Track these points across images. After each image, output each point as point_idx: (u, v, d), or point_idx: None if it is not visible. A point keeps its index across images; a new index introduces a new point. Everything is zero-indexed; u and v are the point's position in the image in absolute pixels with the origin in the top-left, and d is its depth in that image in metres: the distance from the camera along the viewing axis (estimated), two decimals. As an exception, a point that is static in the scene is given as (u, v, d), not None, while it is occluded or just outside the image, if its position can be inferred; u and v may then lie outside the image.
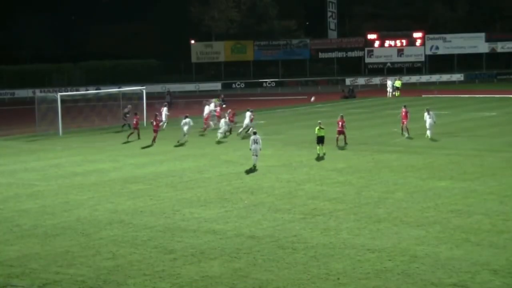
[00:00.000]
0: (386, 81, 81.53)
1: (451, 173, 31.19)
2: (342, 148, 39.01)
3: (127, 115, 50.55)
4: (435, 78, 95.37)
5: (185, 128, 43.47)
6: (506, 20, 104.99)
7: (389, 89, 76.81)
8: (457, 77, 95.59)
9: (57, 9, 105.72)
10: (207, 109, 49.94)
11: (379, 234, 21.60)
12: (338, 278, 17.85)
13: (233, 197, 27.39)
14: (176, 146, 41.97)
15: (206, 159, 36.86)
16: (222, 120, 45.51)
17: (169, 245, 21.07)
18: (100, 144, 44.53)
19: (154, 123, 43.91)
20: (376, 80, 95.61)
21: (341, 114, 41.34)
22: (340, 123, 40.08)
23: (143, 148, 41.71)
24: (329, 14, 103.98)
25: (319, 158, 35.82)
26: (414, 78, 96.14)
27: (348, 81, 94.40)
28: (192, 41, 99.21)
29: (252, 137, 34.35)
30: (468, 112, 56.85)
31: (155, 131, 43.37)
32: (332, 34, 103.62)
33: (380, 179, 30.30)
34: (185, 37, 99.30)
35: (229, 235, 21.93)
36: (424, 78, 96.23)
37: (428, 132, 42.32)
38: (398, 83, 77.78)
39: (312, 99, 53.59)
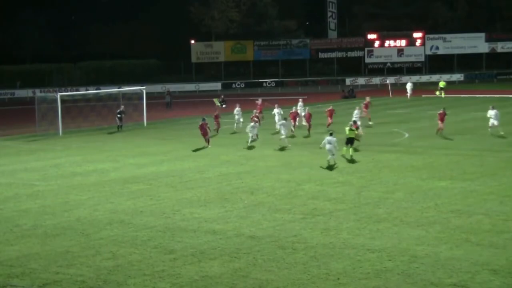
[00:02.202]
0: (407, 82, 78.33)
1: (451, 173, 31.19)
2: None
3: (120, 115, 50.47)
4: (435, 78, 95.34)
5: (252, 131, 41.42)
6: (506, 20, 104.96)
7: (409, 91, 73.91)
8: (457, 77, 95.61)
9: (57, 9, 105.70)
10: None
11: (379, 234, 21.60)
12: (338, 278, 17.85)
13: (233, 197, 27.38)
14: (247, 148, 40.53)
15: (206, 159, 36.85)
16: (250, 125, 41.49)
17: (169, 245, 21.07)
18: (100, 144, 44.54)
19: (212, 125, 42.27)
20: (376, 80, 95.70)
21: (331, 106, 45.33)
22: (329, 112, 44.22)
23: (195, 150, 40.07)
24: (329, 14, 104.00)
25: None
26: (414, 78, 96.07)
27: (348, 81, 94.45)
28: (192, 41, 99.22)
29: (328, 138, 33.98)
30: (468, 112, 56.82)
31: (207, 133, 41.25)
32: (332, 34, 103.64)
33: (380, 179, 30.30)
34: (185, 37, 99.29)
35: (229, 235, 21.92)
36: (424, 78, 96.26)
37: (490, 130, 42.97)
38: (442, 84, 75.54)
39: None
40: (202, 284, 17.75)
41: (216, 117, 46.92)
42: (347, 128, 36.30)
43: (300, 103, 51.43)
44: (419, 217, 23.60)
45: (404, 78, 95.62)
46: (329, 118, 46.98)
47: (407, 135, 43.79)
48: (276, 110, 47.60)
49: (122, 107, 51.55)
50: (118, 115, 50.63)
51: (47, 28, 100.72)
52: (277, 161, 35.65)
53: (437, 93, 74.29)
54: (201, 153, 38.98)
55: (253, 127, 41.04)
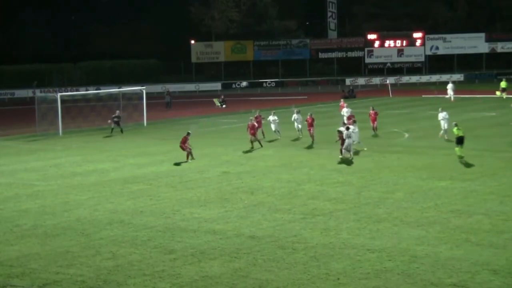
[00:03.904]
0: (448, 83, 71.10)
1: (451, 173, 31.19)
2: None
3: (117, 119, 49.49)
4: (435, 78, 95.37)
5: (273, 126, 43.42)
6: (506, 20, 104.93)
7: (450, 91, 68.13)
8: (457, 77, 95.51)
9: (57, 9, 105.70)
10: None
11: (379, 234, 21.60)
12: (338, 278, 17.85)
13: (233, 197, 27.39)
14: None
15: (206, 159, 36.85)
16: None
17: (169, 245, 21.08)
18: (100, 144, 44.54)
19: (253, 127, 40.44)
20: (376, 80, 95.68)
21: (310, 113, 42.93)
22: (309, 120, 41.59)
23: (246, 152, 39.39)
24: (329, 14, 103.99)
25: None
26: (414, 78, 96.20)
27: (348, 81, 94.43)
28: (192, 41, 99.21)
29: (345, 132, 34.48)
30: (468, 112, 56.80)
31: (252, 134, 40.13)
32: (332, 34, 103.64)
33: (380, 179, 30.30)
34: (185, 37, 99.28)
35: (229, 235, 21.93)
36: (424, 78, 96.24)
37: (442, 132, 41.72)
38: (504, 84, 71.31)
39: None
40: (202, 284, 17.75)
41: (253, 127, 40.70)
42: (455, 129, 35.23)
43: (295, 115, 44.58)
44: (419, 217, 23.60)
45: (404, 78, 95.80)
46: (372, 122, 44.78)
47: (407, 135, 43.79)
48: (271, 118, 44.10)
49: (117, 112, 50.55)
50: (115, 119, 49.56)
51: (47, 28, 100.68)
52: (277, 161, 35.65)
53: (498, 93, 70.39)
54: (201, 153, 38.94)
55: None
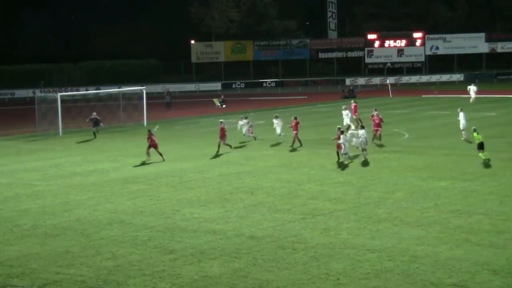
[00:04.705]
0: (470, 86, 66.39)
1: (451, 173, 31.18)
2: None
3: (96, 120, 47.03)
4: (435, 78, 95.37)
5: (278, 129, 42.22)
6: (506, 20, 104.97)
7: (472, 93, 64.28)
8: (457, 77, 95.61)
9: (57, 9, 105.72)
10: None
11: (379, 234, 21.60)
12: (338, 278, 17.85)
13: (233, 197, 27.39)
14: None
15: (206, 159, 36.85)
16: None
17: (169, 245, 21.07)
18: (100, 144, 44.52)
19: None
20: (376, 80, 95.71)
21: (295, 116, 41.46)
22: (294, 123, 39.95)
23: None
24: (329, 14, 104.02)
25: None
26: (414, 78, 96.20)
27: (348, 81, 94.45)
28: (192, 41, 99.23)
29: (360, 131, 34.35)
30: (468, 112, 56.69)
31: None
32: (332, 34, 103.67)
33: (380, 179, 30.30)
34: (185, 37, 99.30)
35: (229, 235, 21.92)
36: (424, 78, 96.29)
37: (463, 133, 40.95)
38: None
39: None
40: (202, 284, 17.75)
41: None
42: (475, 134, 34.50)
43: (275, 120, 43.24)
44: (419, 217, 23.60)
45: (404, 78, 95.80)
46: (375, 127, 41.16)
47: (407, 135, 43.76)
48: (275, 121, 43.10)
49: (94, 113, 47.61)
50: (94, 120, 47.00)
51: (47, 28, 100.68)
52: (277, 161, 35.64)
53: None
54: (201, 153, 38.98)
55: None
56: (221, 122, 39.90)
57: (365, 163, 34.17)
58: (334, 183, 29.73)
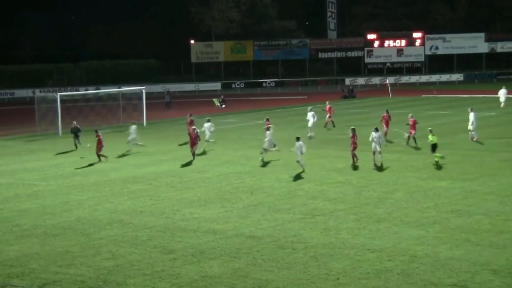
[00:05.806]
0: (500, 89, 59.46)
1: (451, 173, 31.19)
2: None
3: (76, 132, 42.13)
4: (434, 78, 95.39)
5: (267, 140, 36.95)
6: (506, 20, 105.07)
7: (502, 97, 58.04)
8: (457, 77, 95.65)
9: (57, 9, 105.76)
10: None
11: (379, 234, 21.61)
12: (338, 278, 17.85)
13: (233, 197, 27.39)
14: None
15: (206, 159, 36.85)
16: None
17: (169, 245, 21.08)
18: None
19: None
20: (376, 80, 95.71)
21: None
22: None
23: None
24: (329, 14, 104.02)
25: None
26: (413, 78, 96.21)
27: (347, 81, 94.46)
28: (192, 41, 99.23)
29: (373, 133, 33.38)
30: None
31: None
32: (332, 34, 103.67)
33: (380, 179, 30.31)
34: (185, 37, 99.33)
35: (229, 235, 21.93)
36: (424, 78, 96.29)
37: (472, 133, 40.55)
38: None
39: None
40: (202, 284, 17.76)
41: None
42: (430, 135, 34.31)
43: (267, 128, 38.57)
44: (419, 217, 23.60)
45: (403, 78, 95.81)
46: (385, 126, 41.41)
47: (407, 135, 43.68)
48: (309, 114, 43.15)
49: (74, 122, 42.66)
50: (75, 130, 42.17)
51: (47, 28, 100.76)
52: (277, 161, 35.62)
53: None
54: (201, 153, 38.91)
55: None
56: (194, 129, 37.86)
57: (365, 163, 34.06)
58: (334, 183, 29.73)
